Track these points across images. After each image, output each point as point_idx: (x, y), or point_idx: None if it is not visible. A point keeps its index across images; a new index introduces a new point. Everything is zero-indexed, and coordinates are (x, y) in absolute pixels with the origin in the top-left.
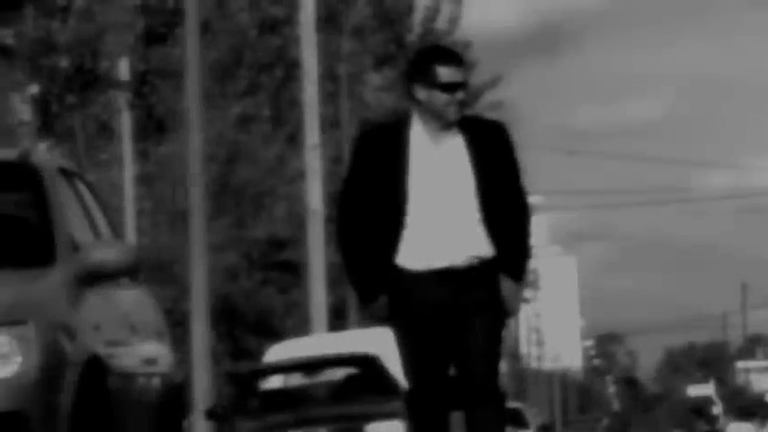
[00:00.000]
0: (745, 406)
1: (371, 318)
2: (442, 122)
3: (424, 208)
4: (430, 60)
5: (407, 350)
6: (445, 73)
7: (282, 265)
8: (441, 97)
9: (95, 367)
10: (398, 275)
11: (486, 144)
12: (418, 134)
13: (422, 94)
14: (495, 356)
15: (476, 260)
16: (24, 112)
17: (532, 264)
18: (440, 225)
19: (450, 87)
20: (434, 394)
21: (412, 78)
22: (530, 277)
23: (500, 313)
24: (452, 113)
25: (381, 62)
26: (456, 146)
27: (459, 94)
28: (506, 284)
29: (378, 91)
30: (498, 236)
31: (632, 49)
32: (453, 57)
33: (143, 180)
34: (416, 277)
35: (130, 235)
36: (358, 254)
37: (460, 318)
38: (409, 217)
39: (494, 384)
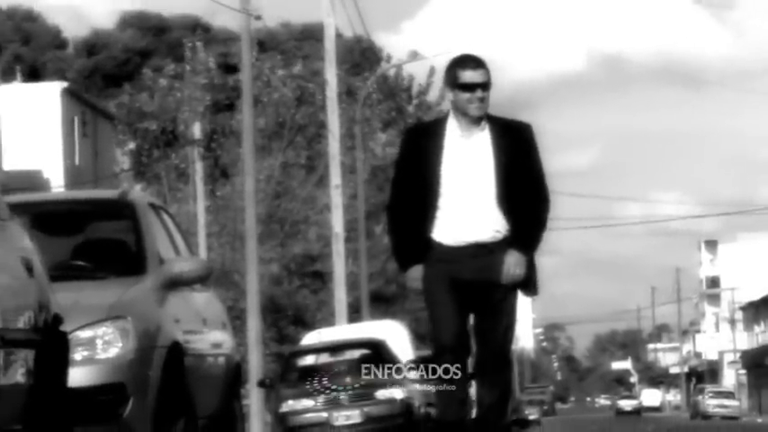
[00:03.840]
0: (654, 377)
1: (408, 285)
2: (467, 118)
3: (454, 191)
4: (453, 66)
5: (437, 313)
6: (464, 75)
7: (314, 273)
8: (462, 96)
9: (176, 350)
10: (433, 249)
11: (508, 140)
12: (453, 130)
13: (450, 95)
14: (508, 329)
15: (498, 236)
16: (124, 162)
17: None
18: (466, 206)
19: (469, 87)
20: (458, 352)
21: (445, 83)
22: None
23: (514, 288)
24: (473, 109)
25: (387, 125)
26: (483, 139)
27: (479, 93)
28: (510, 254)
29: (384, 146)
30: (514, 217)
31: (572, 113)
32: (472, 61)
33: (211, 211)
34: (448, 251)
35: (202, 252)
36: (400, 230)
37: (482, 290)
38: (442, 199)
39: (505, 353)
